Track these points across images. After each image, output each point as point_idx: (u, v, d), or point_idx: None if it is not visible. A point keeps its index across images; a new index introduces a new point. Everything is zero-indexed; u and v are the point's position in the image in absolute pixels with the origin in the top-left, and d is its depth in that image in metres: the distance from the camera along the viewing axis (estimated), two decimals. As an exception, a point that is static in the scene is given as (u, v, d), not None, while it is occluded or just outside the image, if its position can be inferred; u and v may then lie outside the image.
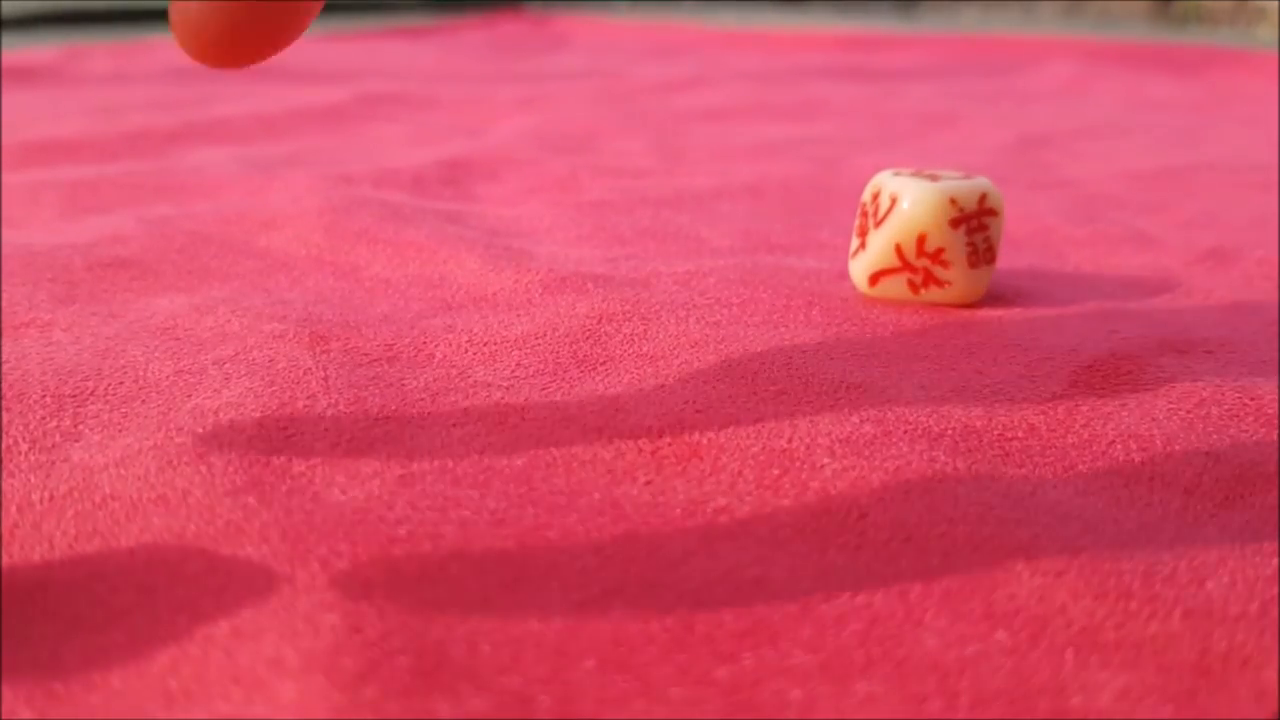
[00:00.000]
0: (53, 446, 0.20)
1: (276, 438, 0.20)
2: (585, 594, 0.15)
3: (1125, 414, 0.21)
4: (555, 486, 0.18)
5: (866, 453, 0.19)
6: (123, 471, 0.19)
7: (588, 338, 0.25)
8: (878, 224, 0.27)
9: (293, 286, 0.29)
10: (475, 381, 0.22)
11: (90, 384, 0.22)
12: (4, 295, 0.27)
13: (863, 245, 0.28)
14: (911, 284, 0.27)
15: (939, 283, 0.27)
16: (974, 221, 0.26)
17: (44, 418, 0.21)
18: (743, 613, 0.15)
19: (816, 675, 0.14)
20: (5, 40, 0.93)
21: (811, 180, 0.43)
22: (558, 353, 0.24)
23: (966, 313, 0.27)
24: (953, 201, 0.26)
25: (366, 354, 0.24)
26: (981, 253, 0.27)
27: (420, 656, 0.14)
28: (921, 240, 0.26)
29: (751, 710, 0.13)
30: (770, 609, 0.15)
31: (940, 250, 0.26)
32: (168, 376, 0.23)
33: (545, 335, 0.25)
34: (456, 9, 1.37)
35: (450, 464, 0.19)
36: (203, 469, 0.18)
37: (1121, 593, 0.15)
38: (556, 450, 0.19)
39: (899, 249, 0.27)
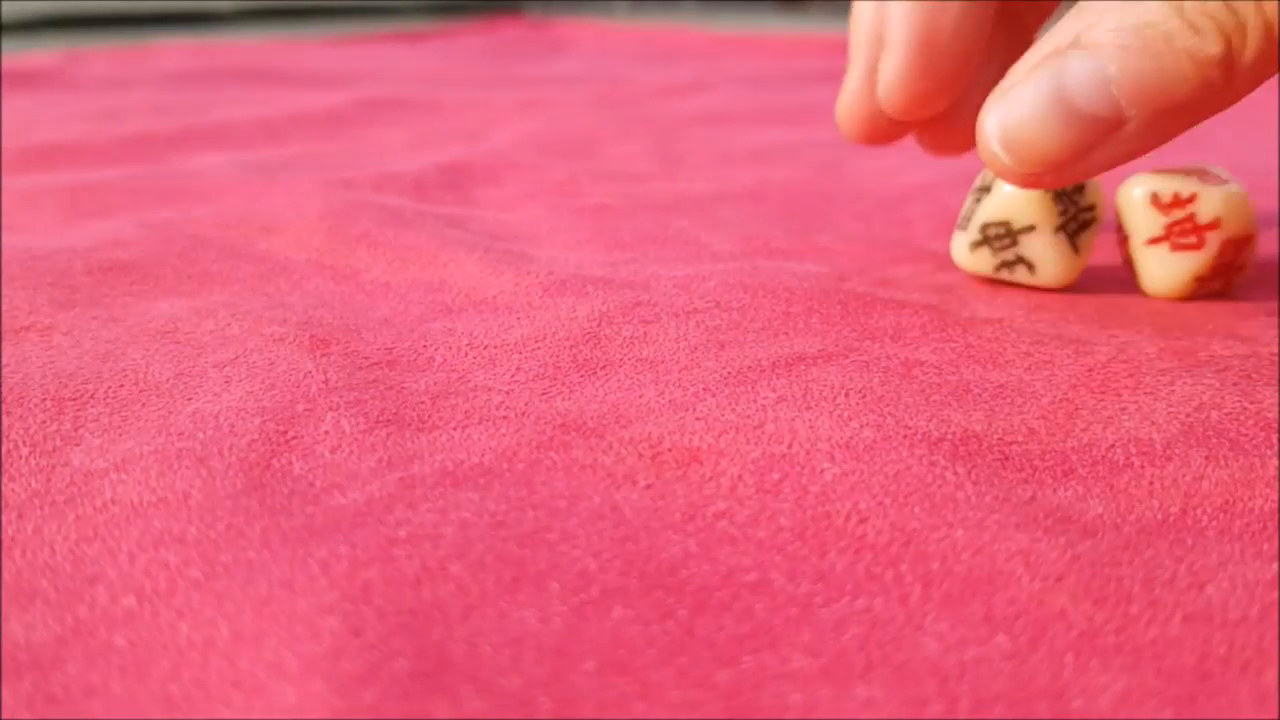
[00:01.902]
0: (53, 450, 0.20)
1: (277, 441, 0.20)
2: (585, 597, 0.15)
3: (1125, 418, 0.21)
4: (555, 490, 0.18)
5: (866, 457, 0.19)
6: (123, 475, 0.19)
7: (587, 341, 0.25)
8: (1198, 233, 0.28)
9: (293, 290, 0.29)
10: (475, 385, 0.22)
11: (90, 387, 0.22)
12: (4, 299, 0.27)
13: (1183, 248, 0.28)
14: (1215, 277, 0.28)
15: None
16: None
17: (44, 421, 0.21)
18: (743, 616, 0.15)
19: (817, 679, 0.14)
20: (5, 44, 0.93)
21: (812, 185, 0.43)
22: (557, 356, 0.24)
23: (967, 316, 0.27)
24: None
25: (367, 357, 0.24)
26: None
27: (420, 659, 0.14)
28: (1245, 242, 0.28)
29: (751, 714, 0.13)
30: (770, 613, 0.15)
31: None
32: (168, 380, 0.23)
33: (545, 338, 0.25)
34: (456, 14, 1.37)
35: (450, 467, 0.19)
36: (203, 472, 0.18)
37: (1121, 597, 0.15)
38: (556, 454, 0.19)
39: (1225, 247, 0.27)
